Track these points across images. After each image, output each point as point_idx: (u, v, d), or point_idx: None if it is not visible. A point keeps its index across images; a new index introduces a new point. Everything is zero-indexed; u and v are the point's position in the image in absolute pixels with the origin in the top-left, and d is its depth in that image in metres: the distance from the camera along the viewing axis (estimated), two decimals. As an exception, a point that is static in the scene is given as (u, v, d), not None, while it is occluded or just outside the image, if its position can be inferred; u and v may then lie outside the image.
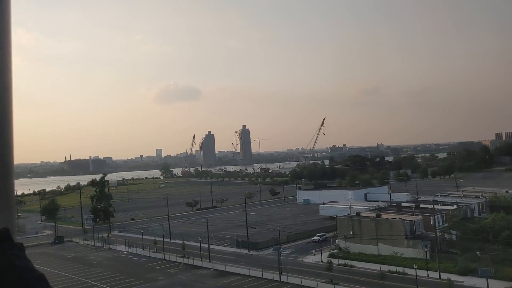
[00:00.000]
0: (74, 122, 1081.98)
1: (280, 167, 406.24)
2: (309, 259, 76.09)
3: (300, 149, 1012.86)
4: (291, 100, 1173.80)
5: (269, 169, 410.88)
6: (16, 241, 2.07)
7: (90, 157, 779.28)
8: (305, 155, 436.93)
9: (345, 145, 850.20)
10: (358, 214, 79.77)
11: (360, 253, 73.76)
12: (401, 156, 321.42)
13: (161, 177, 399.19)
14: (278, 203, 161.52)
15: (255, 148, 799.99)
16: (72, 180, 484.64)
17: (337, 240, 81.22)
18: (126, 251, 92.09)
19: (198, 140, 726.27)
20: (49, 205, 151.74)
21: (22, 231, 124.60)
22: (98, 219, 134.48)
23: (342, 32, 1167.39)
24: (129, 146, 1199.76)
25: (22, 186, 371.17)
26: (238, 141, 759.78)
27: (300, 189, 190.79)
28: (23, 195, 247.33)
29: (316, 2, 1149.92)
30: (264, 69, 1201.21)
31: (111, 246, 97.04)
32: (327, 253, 76.24)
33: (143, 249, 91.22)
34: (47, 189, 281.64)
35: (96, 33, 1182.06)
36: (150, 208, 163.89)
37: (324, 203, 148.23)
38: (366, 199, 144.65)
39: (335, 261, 71.49)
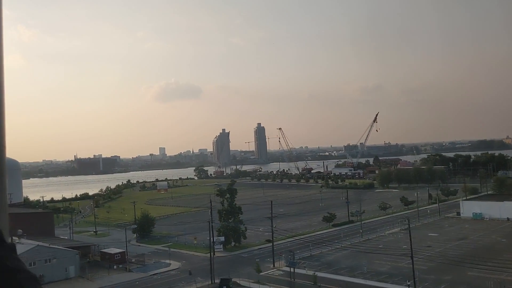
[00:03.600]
0: (75, 121, 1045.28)
1: (325, 167, 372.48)
2: None
3: (304, 147, 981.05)
4: (291, 97, 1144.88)
5: (311, 169, 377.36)
6: (8, 242, 2.01)
7: (94, 155, 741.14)
8: (353, 151, 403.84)
9: (362, 143, 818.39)
10: None
11: None
12: (479, 155, 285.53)
13: (196, 178, 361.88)
14: (431, 217, 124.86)
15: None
16: (86, 180, 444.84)
17: None
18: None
19: (212, 138, 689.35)
20: (142, 219, 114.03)
21: (141, 263, 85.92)
22: (232, 242, 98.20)
23: (342, 32, 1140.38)
24: (131, 144, 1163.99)
25: (40, 188, 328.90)
26: (253, 139, 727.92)
27: (442, 195, 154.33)
28: (64, 199, 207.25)
29: (317, 1, 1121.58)
30: (264, 67, 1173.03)
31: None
32: None
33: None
34: (68, 191, 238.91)
35: (97, 30, 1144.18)
36: (258, 220, 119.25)
37: (508, 218, 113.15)
38: None
39: None
